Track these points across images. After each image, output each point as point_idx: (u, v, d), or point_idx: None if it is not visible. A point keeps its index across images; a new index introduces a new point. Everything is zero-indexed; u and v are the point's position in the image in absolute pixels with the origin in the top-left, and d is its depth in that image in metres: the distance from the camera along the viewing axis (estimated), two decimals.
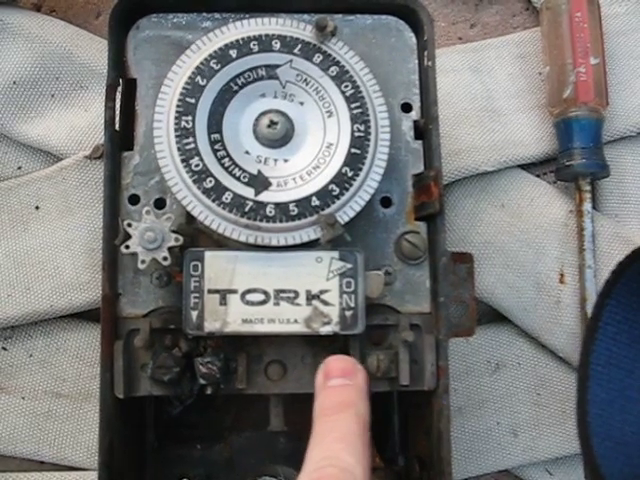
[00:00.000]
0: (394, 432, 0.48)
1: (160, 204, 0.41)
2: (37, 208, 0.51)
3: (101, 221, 0.40)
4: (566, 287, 0.52)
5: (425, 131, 0.42)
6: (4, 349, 0.51)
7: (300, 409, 0.47)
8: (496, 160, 0.52)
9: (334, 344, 0.40)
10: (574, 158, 0.51)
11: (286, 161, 0.39)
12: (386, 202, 0.42)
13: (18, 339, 0.51)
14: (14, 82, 0.52)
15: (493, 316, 0.52)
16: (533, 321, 0.51)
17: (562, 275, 0.52)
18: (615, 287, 0.36)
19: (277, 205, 0.38)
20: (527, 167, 0.54)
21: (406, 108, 0.43)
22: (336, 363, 0.34)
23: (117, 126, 0.42)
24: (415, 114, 0.43)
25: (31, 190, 0.51)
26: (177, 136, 0.38)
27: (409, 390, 0.40)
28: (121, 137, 0.42)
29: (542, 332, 0.51)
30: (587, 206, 0.52)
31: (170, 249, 0.38)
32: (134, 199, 0.41)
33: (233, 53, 0.39)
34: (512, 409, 0.51)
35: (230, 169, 0.38)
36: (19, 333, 0.51)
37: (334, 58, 0.40)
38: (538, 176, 0.54)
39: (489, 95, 0.54)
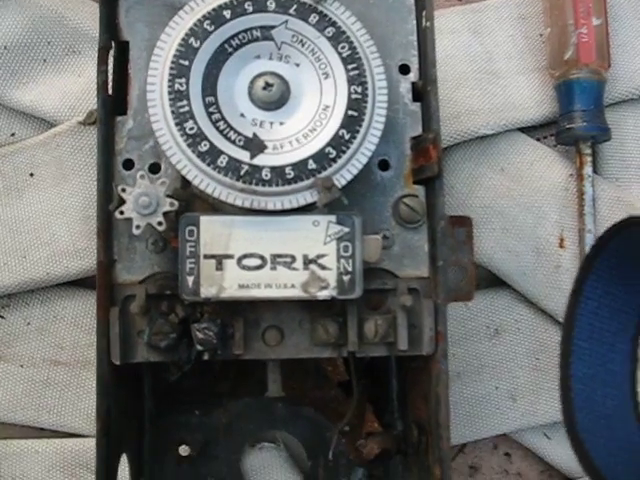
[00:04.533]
0: (392, 397, 0.48)
1: (155, 169, 0.40)
2: (31, 175, 0.51)
3: (96, 192, 0.40)
4: (566, 252, 0.52)
5: (423, 93, 0.42)
6: (1, 317, 0.50)
7: (298, 375, 0.48)
8: (496, 123, 0.51)
9: (332, 309, 0.40)
10: (575, 121, 0.50)
11: (282, 124, 0.38)
12: (384, 165, 0.41)
13: (15, 307, 0.51)
14: (5, 47, 0.51)
15: (492, 281, 0.52)
16: (532, 286, 0.51)
17: (562, 239, 0.52)
18: (596, 261, 0.35)
19: (273, 168, 0.37)
20: (527, 130, 0.53)
21: (404, 70, 0.42)
22: None
23: (110, 90, 0.41)
24: (413, 76, 0.42)
25: (25, 157, 0.51)
26: (171, 99, 0.37)
27: (407, 355, 0.40)
28: (114, 101, 0.41)
29: (541, 297, 0.51)
30: (588, 170, 0.51)
31: (165, 214, 0.38)
32: (128, 164, 0.41)
33: (227, 14, 0.38)
34: (511, 374, 0.51)
35: (225, 132, 0.37)
36: (16, 301, 0.51)
37: (330, 19, 0.39)
38: (538, 140, 0.53)
39: (489, 57, 0.53)
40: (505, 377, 0.51)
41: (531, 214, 0.51)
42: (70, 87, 0.51)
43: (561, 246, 0.52)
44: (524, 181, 0.52)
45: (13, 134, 0.52)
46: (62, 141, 0.50)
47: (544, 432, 0.52)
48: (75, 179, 0.50)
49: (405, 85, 0.42)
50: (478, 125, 0.51)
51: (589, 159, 0.51)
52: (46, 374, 0.50)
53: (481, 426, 0.51)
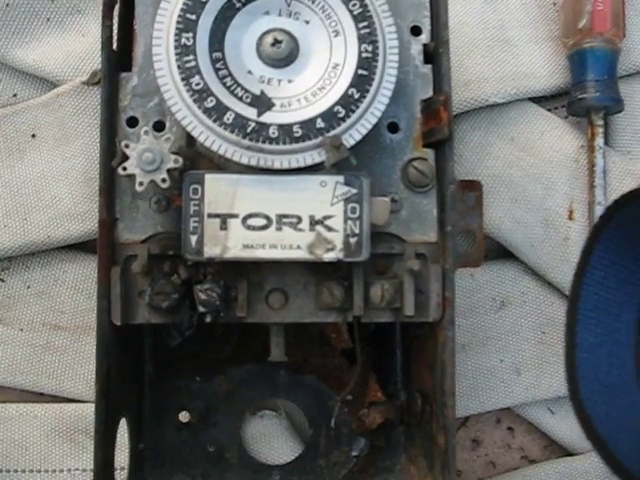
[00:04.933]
0: (396, 366, 0.48)
1: (159, 127, 0.40)
2: (33, 136, 0.50)
3: (98, 150, 0.39)
4: (575, 224, 0.51)
5: (435, 55, 0.41)
6: (1, 280, 0.50)
7: (301, 343, 0.47)
8: (506, 92, 0.51)
9: (337, 272, 0.39)
10: (587, 91, 0.49)
11: (290, 81, 0.37)
12: (393, 127, 0.40)
13: (15, 270, 0.50)
14: (7, 4, 0.50)
15: (499, 252, 0.51)
16: (540, 258, 0.50)
17: (571, 211, 0.51)
18: (603, 232, 0.35)
19: (280, 126, 0.36)
20: (538, 101, 0.52)
21: (415, 31, 0.41)
22: None
23: (115, 46, 0.40)
24: (425, 37, 0.41)
25: (27, 118, 0.50)
26: (177, 54, 0.36)
27: (413, 321, 0.40)
28: (119, 58, 0.40)
29: (549, 269, 0.50)
30: (599, 141, 0.50)
31: (169, 171, 0.37)
32: (132, 121, 0.40)
33: None
34: (516, 347, 0.51)
35: (232, 89, 0.37)
36: (16, 264, 0.50)
37: None
38: (549, 110, 0.52)
39: (501, 25, 0.52)
40: (510, 350, 0.51)
41: (541, 185, 0.51)
42: (74, 46, 0.50)
43: (570, 218, 0.51)
44: (534, 151, 0.51)
45: (15, 94, 0.51)
46: (65, 102, 0.49)
47: (548, 407, 0.51)
48: (78, 140, 0.49)
49: (416, 47, 0.41)
50: (488, 93, 0.50)
51: (601, 130, 0.50)
52: (46, 338, 0.50)
53: (485, 399, 0.51)
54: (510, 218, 0.50)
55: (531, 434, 0.52)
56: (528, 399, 0.51)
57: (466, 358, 0.50)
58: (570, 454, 0.52)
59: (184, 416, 0.47)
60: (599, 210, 0.50)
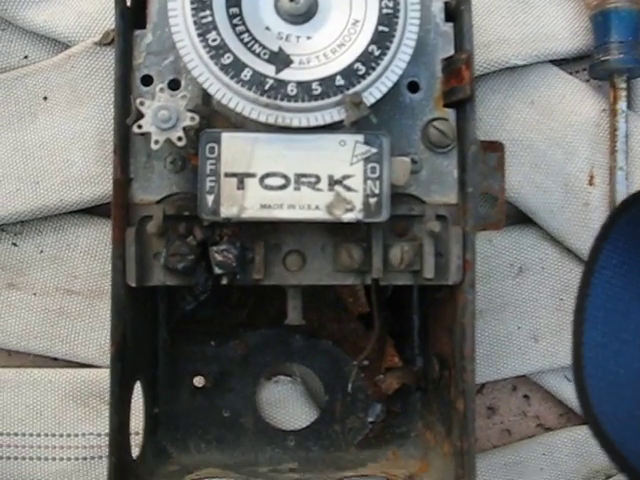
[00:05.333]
0: (413, 332, 0.47)
1: (174, 85, 0.39)
2: (45, 99, 0.49)
3: (112, 112, 0.38)
4: (595, 189, 0.50)
5: (457, 13, 0.40)
6: (14, 245, 0.49)
7: (317, 307, 0.47)
8: (527, 54, 0.49)
9: (356, 234, 0.38)
10: (610, 53, 0.48)
11: (309, 38, 0.36)
12: (413, 87, 0.40)
13: (28, 235, 0.50)
14: None
15: (518, 218, 0.50)
16: (559, 224, 0.49)
17: (592, 177, 0.50)
18: (611, 231, 0.35)
19: (299, 84, 0.35)
20: (559, 64, 0.51)
21: None
22: None
23: (129, 2, 0.39)
24: None
25: (38, 80, 0.49)
26: (193, 9, 0.36)
27: (432, 285, 0.39)
28: (133, 14, 0.39)
29: (568, 235, 0.50)
30: (622, 105, 0.49)
31: (185, 129, 0.36)
32: (147, 80, 0.39)
33: None
34: (534, 314, 0.50)
35: (249, 45, 0.36)
36: (29, 229, 0.50)
37: None
38: (570, 74, 0.51)
39: None
40: (528, 317, 0.50)
41: (561, 149, 0.50)
42: (85, 6, 0.49)
43: (591, 183, 0.50)
44: (555, 115, 0.50)
45: (26, 56, 0.50)
46: (77, 63, 0.49)
47: (565, 374, 0.51)
48: (90, 103, 0.48)
49: (437, 4, 0.40)
50: (509, 55, 0.49)
51: (624, 94, 0.49)
52: (59, 303, 0.49)
53: (501, 366, 0.50)
54: (530, 183, 0.49)
55: (547, 402, 0.52)
56: (545, 367, 0.50)
57: (483, 325, 0.50)
58: (586, 422, 0.51)
59: (199, 381, 0.47)
60: (620, 175, 0.49)
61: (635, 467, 0.34)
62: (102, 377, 0.49)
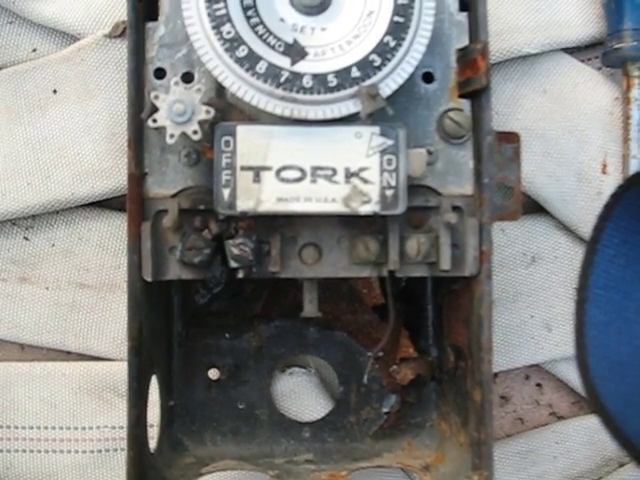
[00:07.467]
0: (428, 322, 0.47)
1: (187, 78, 0.39)
2: (55, 92, 0.49)
3: (123, 105, 0.38)
4: (608, 178, 0.50)
5: (471, 2, 0.39)
6: (26, 239, 0.49)
7: (331, 298, 0.47)
8: (539, 42, 0.49)
9: (372, 226, 0.38)
10: (624, 40, 0.48)
11: (324, 29, 0.36)
12: (428, 77, 0.39)
13: (39, 229, 0.49)
14: None
15: (530, 207, 0.50)
16: (572, 213, 0.49)
17: (605, 165, 0.50)
18: (614, 210, 0.35)
19: (315, 76, 0.35)
20: (571, 52, 0.51)
21: None
22: None
23: None
24: None
25: (48, 73, 0.49)
26: (207, 1, 0.35)
27: (449, 276, 0.39)
28: (145, 6, 0.39)
29: (581, 224, 0.49)
30: (635, 93, 0.49)
31: (200, 123, 0.36)
32: (160, 73, 0.39)
33: None
34: (547, 303, 0.50)
35: (264, 37, 0.35)
36: (40, 222, 0.49)
37: None
38: (583, 62, 0.51)
39: None
40: (541, 306, 0.50)
41: (574, 138, 0.49)
42: None
43: (604, 172, 0.50)
44: (567, 104, 0.49)
45: (35, 50, 0.50)
46: (87, 55, 0.48)
47: None
48: (100, 95, 0.48)
49: None
50: (521, 43, 0.49)
51: (637, 82, 0.49)
52: (72, 297, 0.49)
53: (515, 355, 0.50)
54: (542, 172, 0.49)
55: (560, 390, 0.52)
56: (558, 355, 0.50)
57: (496, 314, 0.49)
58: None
59: (213, 373, 0.47)
60: (634, 164, 0.49)
61: (637, 445, 0.34)
62: (116, 370, 0.49)
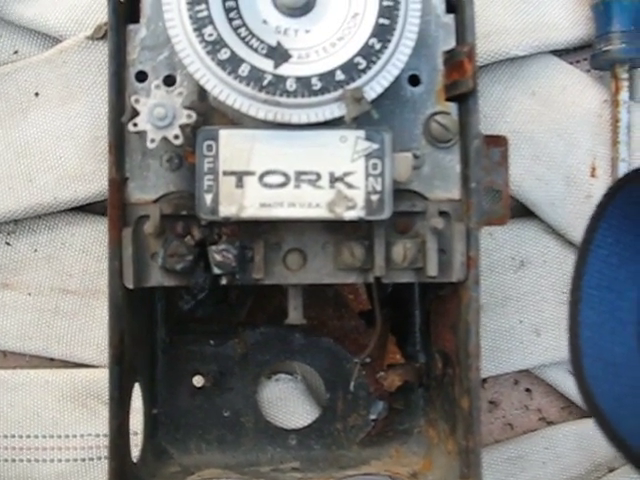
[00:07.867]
0: (415, 328, 0.47)
1: (169, 82, 0.38)
2: (36, 95, 0.48)
3: (105, 107, 0.37)
4: (597, 181, 0.49)
5: (458, 4, 0.39)
6: (8, 244, 0.48)
7: (317, 304, 0.46)
8: (528, 44, 0.48)
9: (358, 232, 0.38)
10: (612, 42, 0.47)
11: (307, 32, 0.36)
12: (414, 80, 0.39)
13: (22, 234, 0.49)
14: None
15: (519, 211, 0.50)
16: (561, 216, 0.49)
17: (594, 168, 0.49)
18: (607, 210, 0.35)
19: (298, 79, 0.34)
20: (560, 54, 0.50)
21: None
22: None
23: None
24: None
25: (29, 75, 0.48)
26: (188, 3, 0.35)
27: (436, 282, 0.38)
28: (126, 8, 0.38)
29: (570, 228, 0.49)
30: (624, 95, 0.49)
31: (182, 127, 0.35)
32: (141, 76, 0.38)
33: None
34: (536, 307, 0.50)
35: (247, 39, 0.35)
36: (22, 228, 0.49)
37: None
38: (571, 64, 0.50)
39: None
40: (530, 311, 0.49)
41: (562, 141, 0.49)
42: None
43: (593, 175, 0.49)
44: (556, 106, 0.49)
45: (16, 51, 0.49)
46: (69, 58, 0.47)
47: (567, 368, 0.50)
48: (83, 98, 0.47)
49: None
50: (509, 45, 0.48)
51: (626, 84, 0.49)
52: (55, 303, 0.48)
53: (503, 360, 0.50)
54: (531, 175, 0.49)
55: (549, 396, 0.51)
56: (547, 360, 0.50)
57: (485, 319, 0.49)
58: (588, 415, 0.51)
59: (198, 380, 0.46)
60: (623, 167, 0.48)
61: (631, 446, 0.33)
62: (99, 377, 0.48)
